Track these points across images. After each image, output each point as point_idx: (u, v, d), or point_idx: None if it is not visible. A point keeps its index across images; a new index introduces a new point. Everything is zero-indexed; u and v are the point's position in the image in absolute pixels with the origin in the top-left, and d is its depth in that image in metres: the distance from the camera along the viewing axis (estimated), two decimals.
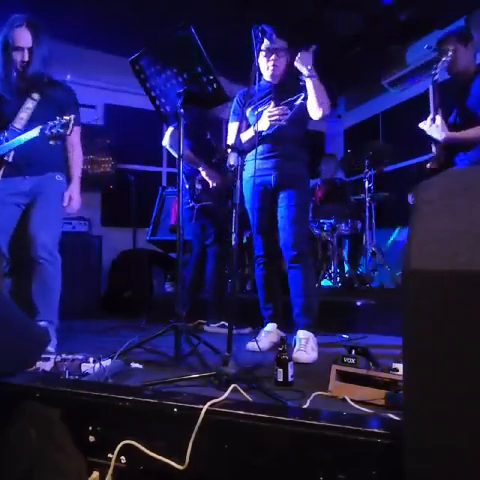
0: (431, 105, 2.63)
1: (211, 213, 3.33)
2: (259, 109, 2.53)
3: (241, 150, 1.95)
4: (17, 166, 2.45)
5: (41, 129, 2.24)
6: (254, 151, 2.54)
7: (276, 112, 2.44)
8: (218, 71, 2.18)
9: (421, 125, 2.68)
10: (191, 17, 2.20)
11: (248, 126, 2.66)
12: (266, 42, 2.50)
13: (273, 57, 2.56)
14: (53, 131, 2.20)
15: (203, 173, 3.24)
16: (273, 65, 2.57)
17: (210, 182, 3.24)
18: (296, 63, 2.43)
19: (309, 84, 2.43)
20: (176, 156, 3.34)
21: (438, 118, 2.59)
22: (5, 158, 2.41)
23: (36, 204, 2.48)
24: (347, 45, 4.84)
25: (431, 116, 2.63)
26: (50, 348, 2.28)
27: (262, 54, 2.57)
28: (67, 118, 2.18)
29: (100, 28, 4.72)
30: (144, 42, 2.25)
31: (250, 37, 2.43)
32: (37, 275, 2.44)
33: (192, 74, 2.20)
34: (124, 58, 2.42)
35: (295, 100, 2.53)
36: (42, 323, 2.40)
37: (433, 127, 2.60)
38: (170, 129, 3.28)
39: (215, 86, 2.19)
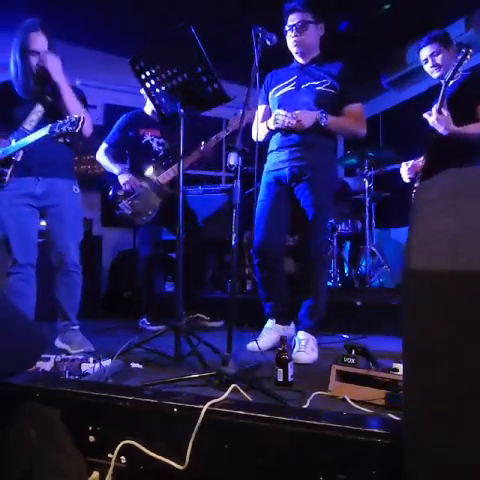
0: (440, 97, 2.53)
1: (132, 222, 3.41)
2: (279, 92, 2.46)
3: (241, 150, 1.94)
4: (28, 167, 2.48)
5: (50, 127, 2.26)
6: (273, 142, 2.50)
7: (281, 118, 2.34)
8: (218, 71, 2.18)
9: (425, 115, 2.60)
10: (191, 17, 2.20)
11: (270, 111, 2.54)
12: (290, 19, 2.41)
13: (293, 34, 2.41)
14: (62, 129, 2.21)
15: (119, 177, 3.31)
16: (295, 42, 2.43)
17: (124, 188, 3.28)
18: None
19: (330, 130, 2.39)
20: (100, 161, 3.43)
21: (445, 111, 2.51)
22: (13, 158, 2.42)
23: (58, 217, 2.57)
24: (347, 45, 4.83)
25: (437, 107, 2.52)
26: (92, 348, 2.49)
27: (288, 33, 2.43)
28: (77, 116, 2.20)
29: (100, 28, 4.72)
30: (144, 42, 2.25)
31: (250, 37, 2.44)
32: (65, 285, 2.61)
33: (192, 74, 2.20)
34: (124, 58, 2.41)
35: (316, 86, 2.41)
36: (75, 327, 2.61)
37: (441, 118, 2.50)
38: (104, 145, 3.43)
39: (215, 86, 2.19)
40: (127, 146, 3.46)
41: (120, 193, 3.33)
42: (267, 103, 2.53)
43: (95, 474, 1.38)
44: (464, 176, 1.07)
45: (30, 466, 1.35)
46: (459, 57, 2.52)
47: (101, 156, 3.46)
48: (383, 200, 4.68)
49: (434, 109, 2.54)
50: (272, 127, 2.44)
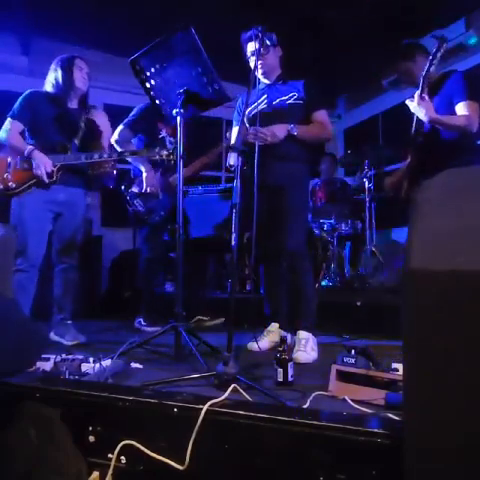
0: (421, 81, 2.51)
1: (143, 219, 3.34)
2: (253, 112, 2.52)
3: (241, 150, 1.94)
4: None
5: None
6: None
7: (252, 135, 2.42)
8: (218, 71, 2.18)
9: (407, 101, 2.59)
10: (191, 17, 2.20)
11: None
12: (249, 46, 2.55)
13: (255, 58, 2.47)
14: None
15: (144, 175, 3.20)
16: (259, 65, 2.54)
17: (145, 186, 3.18)
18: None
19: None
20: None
21: (427, 97, 2.50)
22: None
23: (68, 223, 2.82)
24: (347, 45, 4.84)
25: (419, 92, 2.52)
26: (83, 339, 2.74)
27: (251, 58, 2.57)
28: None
29: (100, 28, 4.72)
30: (144, 42, 2.25)
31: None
32: (64, 282, 2.83)
33: (192, 74, 2.20)
34: (124, 58, 2.42)
35: (286, 101, 2.53)
36: (69, 322, 2.82)
37: (422, 104, 2.49)
38: (120, 127, 3.31)
39: (216, 86, 2.19)
40: (144, 135, 3.30)
41: (135, 190, 3.30)
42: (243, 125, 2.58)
43: (95, 474, 1.38)
44: (464, 176, 1.07)
45: (30, 466, 1.35)
46: (433, 49, 2.49)
47: (118, 141, 3.25)
48: (383, 200, 4.68)
49: (416, 94, 2.53)
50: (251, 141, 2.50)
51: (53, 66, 2.84)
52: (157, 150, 2.64)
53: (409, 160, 2.81)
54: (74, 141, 2.79)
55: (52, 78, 2.81)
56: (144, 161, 3.24)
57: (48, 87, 2.83)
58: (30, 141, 2.75)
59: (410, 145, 2.78)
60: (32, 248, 2.66)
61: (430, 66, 2.52)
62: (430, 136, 2.64)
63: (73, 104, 2.88)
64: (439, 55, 2.51)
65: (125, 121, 3.33)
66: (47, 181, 2.67)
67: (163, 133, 3.32)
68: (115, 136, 3.27)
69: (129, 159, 3.28)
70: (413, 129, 2.71)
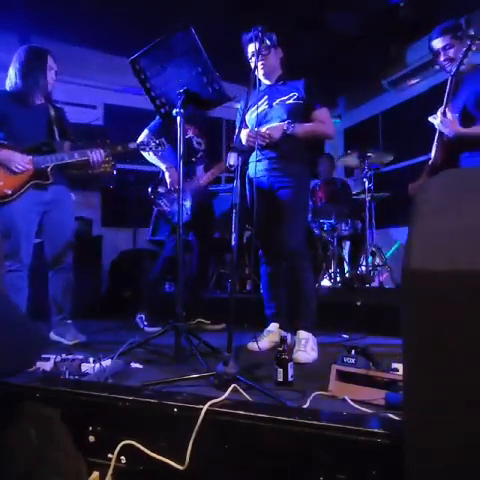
0: (445, 97, 2.50)
1: (168, 219, 3.33)
2: (254, 113, 2.52)
3: (241, 150, 1.95)
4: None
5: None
6: (253, 154, 2.60)
7: (251, 138, 2.45)
8: (218, 71, 2.18)
9: (431, 119, 2.58)
10: (191, 17, 2.20)
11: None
12: (250, 47, 2.55)
13: (256, 59, 2.47)
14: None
15: (166, 174, 3.22)
16: (261, 66, 2.56)
17: (169, 184, 3.21)
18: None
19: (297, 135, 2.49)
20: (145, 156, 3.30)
21: (449, 113, 2.49)
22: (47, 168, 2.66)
23: (57, 222, 2.76)
24: (347, 45, 4.84)
25: (442, 109, 2.52)
26: (84, 338, 2.74)
27: (252, 60, 2.56)
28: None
29: (100, 28, 4.72)
30: (144, 42, 2.25)
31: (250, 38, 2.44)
32: (60, 281, 2.80)
33: (192, 74, 2.20)
34: (124, 58, 2.42)
35: (285, 101, 2.53)
36: (69, 322, 2.80)
37: (445, 120, 2.49)
38: (145, 131, 3.28)
39: (216, 86, 2.19)
40: (167, 139, 3.15)
41: (161, 190, 3.29)
42: (241, 125, 2.58)
43: (95, 474, 1.38)
44: (464, 176, 1.07)
45: (30, 466, 1.35)
46: (464, 49, 2.45)
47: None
48: (383, 200, 4.68)
49: (439, 112, 2.53)
50: (244, 143, 2.53)
51: (20, 57, 2.65)
52: (127, 144, 2.82)
53: (433, 158, 2.70)
54: (55, 138, 2.72)
55: (16, 71, 2.63)
56: (165, 160, 3.24)
57: (11, 81, 2.65)
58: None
59: (435, 143, 2.69)
60: (24, 249, 2.61)
61: (459, 66, 2.47)
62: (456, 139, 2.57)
63: (40, 100, 2.75)
64: (470, 54, 2.45)
65: (150, 125, 3.31)
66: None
67: (189, 134, 3.31)
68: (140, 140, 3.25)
69: (152, 161, 3.29)
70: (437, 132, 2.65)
